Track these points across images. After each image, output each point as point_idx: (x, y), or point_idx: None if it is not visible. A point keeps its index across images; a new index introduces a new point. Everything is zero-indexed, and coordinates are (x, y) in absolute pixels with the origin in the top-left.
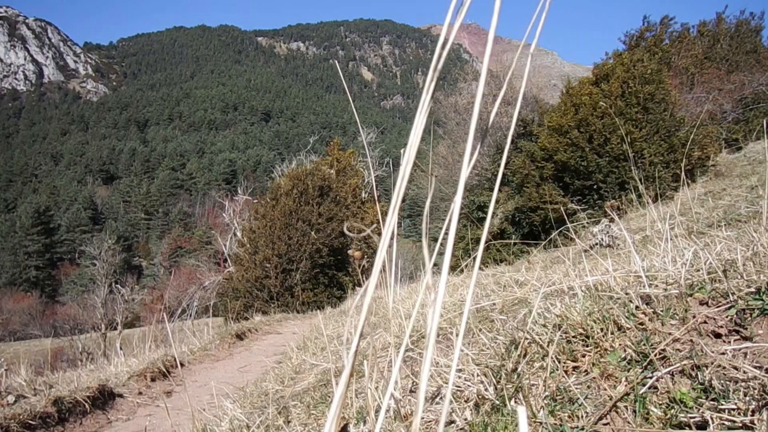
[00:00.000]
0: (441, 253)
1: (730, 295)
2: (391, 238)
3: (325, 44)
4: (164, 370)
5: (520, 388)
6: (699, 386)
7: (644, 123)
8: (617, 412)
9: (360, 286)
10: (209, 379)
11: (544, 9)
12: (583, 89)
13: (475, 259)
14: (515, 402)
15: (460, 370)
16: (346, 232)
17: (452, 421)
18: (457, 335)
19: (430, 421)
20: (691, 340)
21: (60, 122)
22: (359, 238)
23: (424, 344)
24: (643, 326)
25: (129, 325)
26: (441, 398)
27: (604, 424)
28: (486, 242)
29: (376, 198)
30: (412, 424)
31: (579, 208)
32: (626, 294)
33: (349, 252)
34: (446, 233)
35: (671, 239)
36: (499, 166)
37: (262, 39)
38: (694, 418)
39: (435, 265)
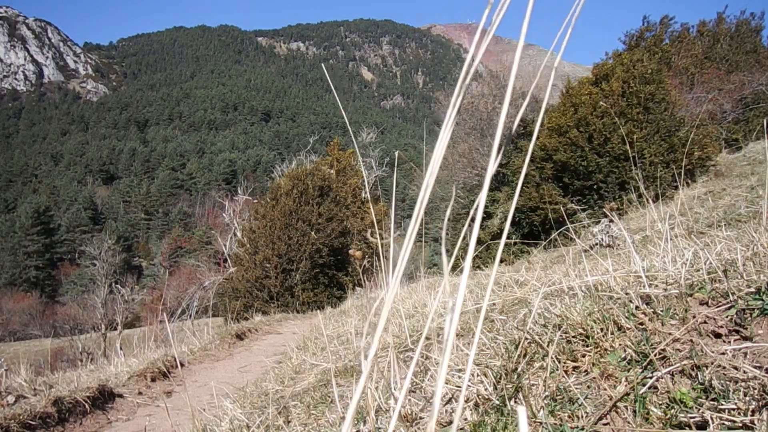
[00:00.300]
0: (440, 254)
1: (730, 295)
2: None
3: (325, 44)
4: (164, 370)
5: (520, 388)
6: (699, 386)
7: (644, 123)
8: (617, 412)
9: (360, 286)
10: (209, 379)
11: (570, 23)
12: (582, 89)
13: (473, 259)
14: (515, 402)
15: (459, 370)
16: (370, 238)
17: (452, 421)
18: (457, 335)
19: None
20: (691, 340)
21: (60, 122)
22: (384, 245)
23: (425, 345)
24: (643, 326)
25: (129, 325)
26: (440, 398)
27: (604, 424)
28: (485, 243)
29: (370, 198)
30: (427, 428)
31: (579, 208)
32: (626, 294)
33: (350, 252)
34: (464, 254)
35: (671, 239)
36: (499, 165)
37: (262, 39)
38: (694, 418)
39: (435, 265)
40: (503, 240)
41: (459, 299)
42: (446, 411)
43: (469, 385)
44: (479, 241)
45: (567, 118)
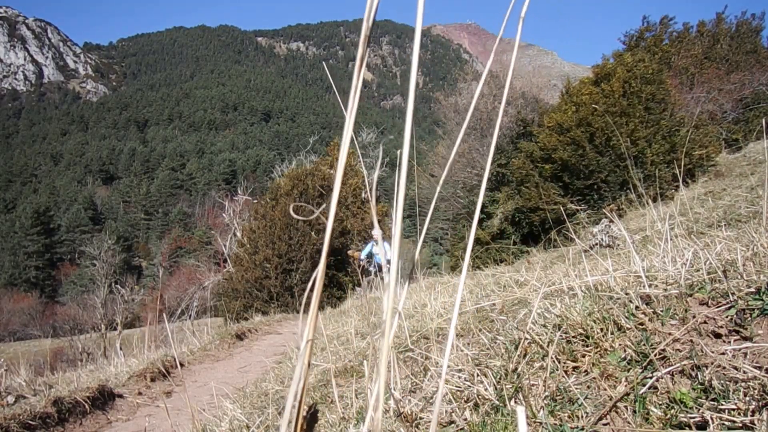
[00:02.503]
0: (441, 254)
1: (730, 295)
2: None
3: (325, 44)
4: (164, 370)
5: (520, 388)
6: (699, 386)
7: (646, 123)
8: (617, 412)
9: (360, 286)
10: (209, 380)
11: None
12: (583, 89)
13: (473, 259)
14: (515, 402)
15: (460, 370)
16: (293, 215)
17: (452, 421)
18: (457, 335)
19: (430, 421)
20: (691, 340)
21: (60, 122)
22: (310, 221)
23: (424, 344)
24: (643, 326)
25: (129, 325)
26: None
27: (604, 424)
28: (485, 244)
29: (371, 198)
30: (374, 417)
31: (579, 208)
32: (626, 294)
33: (349, 252)
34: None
35: (671, 239)
36: (499, 166)
37: (261, 39)
38: (694, 418)
39: (435, 265)
40: (469, 248)
41: (389, 321)
42: (446, 411)
43: (469, 385)
44: (479, 241)
45: (568, 116)
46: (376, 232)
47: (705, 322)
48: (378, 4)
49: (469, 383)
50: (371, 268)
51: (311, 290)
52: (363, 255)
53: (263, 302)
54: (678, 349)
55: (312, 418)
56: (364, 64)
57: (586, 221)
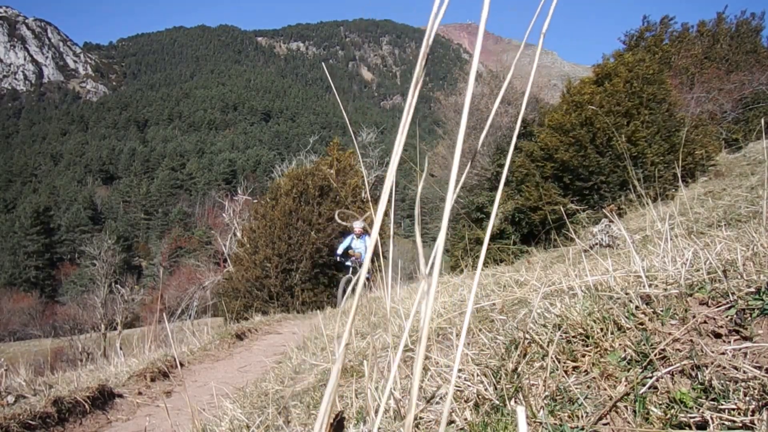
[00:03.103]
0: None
1: (730, 295)
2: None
3: (325, 44)
4: (164, 370)
5: (520, 388)
6: (699, 386)
7: (647, 123)
8: (617, 412)
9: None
10: (209, 379)
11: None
12: (584, 88)
13: (473, 259)
14: (515, 402)
15: (460, 370)
16: (337, 220)
17: (452, 421)
18: (457, 335)
19: (430, 421)
20: (691, 340)
21: (60, 122)
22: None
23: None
24: (643, 326)
25: (129, 325)
26: (441, 398)
27: (604, 424)
28: (484, 243)
29: (370, 198)
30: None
31: (579, 208)
32: (626, 294)
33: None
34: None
35: (671, 239)
36: (499, 165)
37: (261, 39)
38: (694, 418)
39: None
40: (483, 252)
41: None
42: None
43: (469, 385)
44: (478, 241)
45: (571, 118)
46: (357, 225)
47: (705, 322)
48: (438, 26)
49: (469, 383)
50: (348, 263)
51: (343, 295)
52: (340, 249)
53: (263, 302)
54: (678, 349)
55: (339, 424)
56: (418, 87)
57: (586, 221)
